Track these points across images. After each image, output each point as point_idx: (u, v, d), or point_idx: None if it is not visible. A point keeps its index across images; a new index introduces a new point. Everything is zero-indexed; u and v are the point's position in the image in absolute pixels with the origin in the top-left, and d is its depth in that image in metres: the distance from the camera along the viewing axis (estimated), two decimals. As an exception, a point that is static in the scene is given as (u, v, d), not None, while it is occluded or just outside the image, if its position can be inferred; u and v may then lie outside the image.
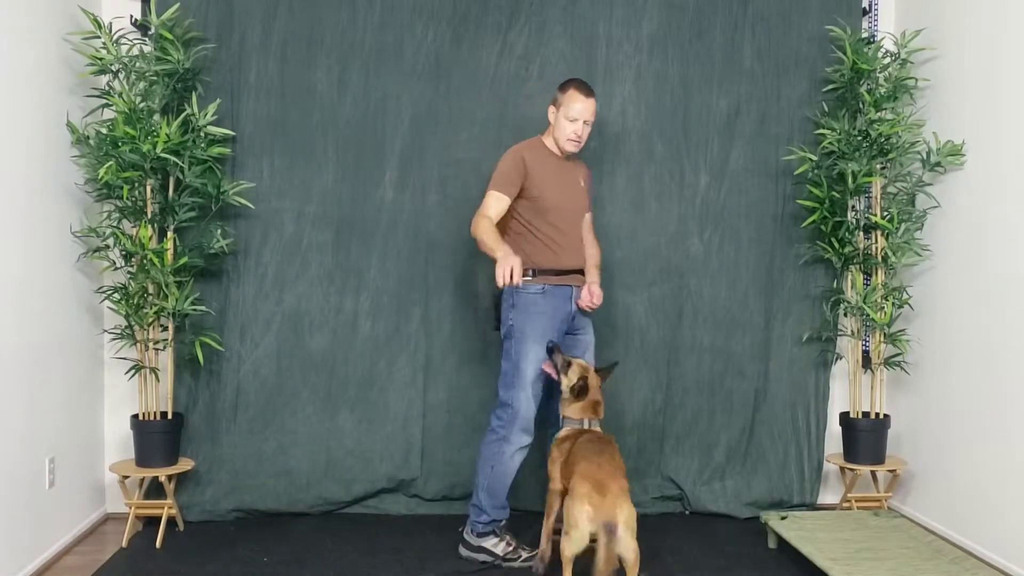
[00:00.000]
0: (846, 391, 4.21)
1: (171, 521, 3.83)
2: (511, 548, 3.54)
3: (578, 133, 3.53)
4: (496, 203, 3.49)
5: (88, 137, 3.68)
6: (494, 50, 4.12)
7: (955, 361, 3.78)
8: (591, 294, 3.57)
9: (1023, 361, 3.35)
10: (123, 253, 3.76)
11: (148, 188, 3.75)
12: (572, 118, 3.50)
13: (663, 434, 4.21)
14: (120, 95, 3.68)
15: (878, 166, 4.01)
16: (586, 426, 3.38)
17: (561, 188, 3.58)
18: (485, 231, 3.39)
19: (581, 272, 3.63)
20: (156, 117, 3.70)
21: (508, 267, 3.23)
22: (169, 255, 3.74)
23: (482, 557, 3.54)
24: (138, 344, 3.80)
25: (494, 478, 3.52)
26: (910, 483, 4.10)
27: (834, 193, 4.00)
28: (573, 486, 3.05)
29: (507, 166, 3.52)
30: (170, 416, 3.85)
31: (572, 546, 3.00)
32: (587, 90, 3.53)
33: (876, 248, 4.03)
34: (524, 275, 3.41)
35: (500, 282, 3.26)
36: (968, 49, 3.73)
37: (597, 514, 2.94)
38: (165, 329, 3.85)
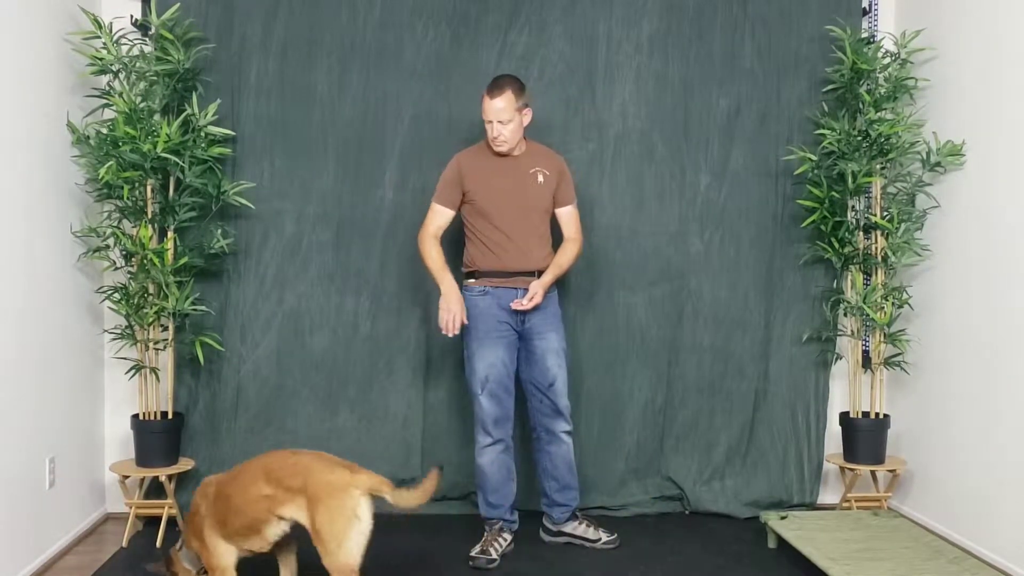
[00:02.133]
0: (846, 391, 4.21)
1: (171, 521, 3.83)
2: (480, 551, 3.54)
3: (493, 134, 3.49)
4: (435, 216, 3.60)
5: (88, 137, 3.68)
6: (494, 50, 4.12)
7: (955, 361, 3.78)
8: (528, 293, 3.51)
9: (1022, 361, 3.35)
10: (123, 253, 3.76)
11: (148, 188, 3.75)
12: (486, 120, 3.52)
13: (663, 434, 4.21)
14: (120, 95, 3.68)
15: (878, 166, 4.01)
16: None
17: (503, 189, 3.55)
18: (428, 256, 3.57)
19: (533, 274, 3.58)
20: (156, 117, 3.70)
21: (447, 317, 3.50)
22: (169, 255, 3.74)
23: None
24: (138, 344, 3.80)
25: (475, 475, 3.69)
26: (910, 483, 4.10)
27: (834, 193, 4.00)
28: (321, 482, 2.73)
29: (444, 175, 3.61)
30: (170, 416, 3.85)
31: (358, 552, 2.73)
32: (493, 91, 3.49)
33: (876, 248, 4.03)
34: (469, 277, 3.61)
35: (442, 329, 3.52)
36: (968, 49, 3.73)
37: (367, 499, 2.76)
38: (165, 329, 3.85)
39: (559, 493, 3.73)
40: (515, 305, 3.52)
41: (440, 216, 3.59)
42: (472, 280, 3.61)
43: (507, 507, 3.66)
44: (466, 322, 3.54)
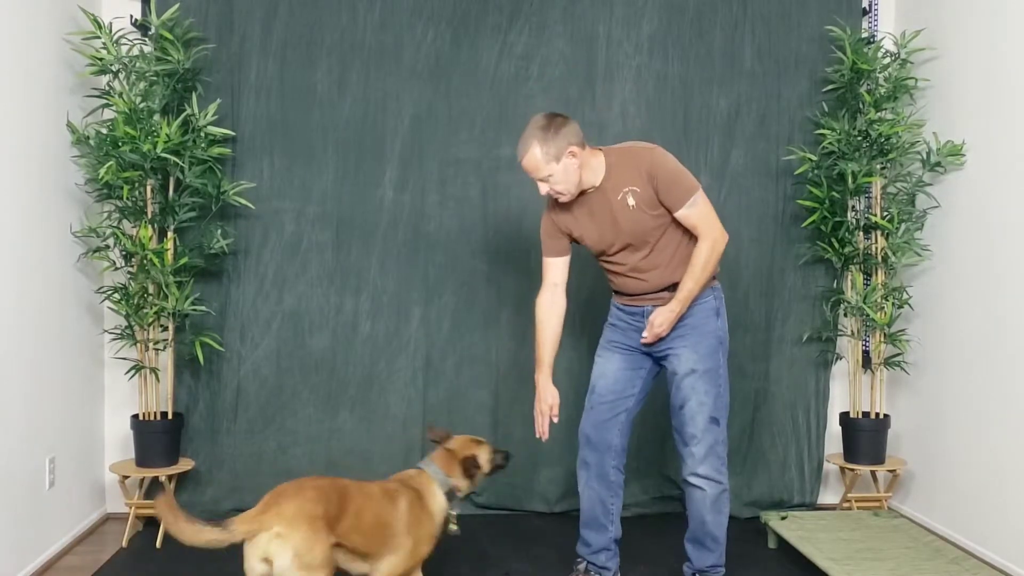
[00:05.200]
0: (846, 391, 4.21)
1: (171, 521, 3.83)
2: None
3: (544, 192, 3.02)
4: (545, 271, 3.22)
5: (88, 137, 3.68)
6: (494, 50, 4.12)
7: (955, 361, 3.78)
8: (650, 323, 3.07)
9: (1022, 361, 3.35)
10: (123, 253, 3.76)
11: (148, 188, 3.75)
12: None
13: (663, 434, 4.21)
14: (120, 95, 3.68)
15: (878, 166, 4.01)
16: None
17: (597, 227, 3.10)
18: (537, 330, 3.20)
19: (660, 292, 3.11)
20: (156, 117, 3.70)
21: (538, 419, 3.15)
22: (169, 255, 3.74)
23: None
24: (138, 344, 3.80)
25: (582, 506, 3.27)
26: (910, 483, 4.10)
27: (834, 193, 4.00)
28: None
29: (542, 231, 3.22)
30: (170, 416, 3.85)
31: None
32: (519, 151, 2.98)
33: (876, 248, 4.03)
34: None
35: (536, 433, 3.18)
36: (968, 49, 3.73)
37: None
38: (165, 329, 3.85)
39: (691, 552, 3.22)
40: (642, 339, 3.11)
41: (549, 269, 3.19)
42: (614, 294, 3.29)
43: (597, 549, 3.25)
44: (556, 420, 3.17)
